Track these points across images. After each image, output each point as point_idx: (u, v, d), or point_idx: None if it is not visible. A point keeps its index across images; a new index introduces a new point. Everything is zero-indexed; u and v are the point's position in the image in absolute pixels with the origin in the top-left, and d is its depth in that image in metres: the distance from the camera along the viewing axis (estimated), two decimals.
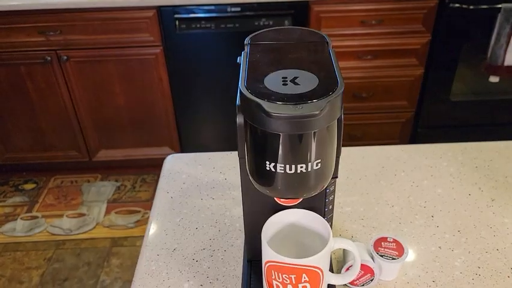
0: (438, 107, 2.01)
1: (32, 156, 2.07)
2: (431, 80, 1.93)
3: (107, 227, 1.88)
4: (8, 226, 1.88)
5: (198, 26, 1.74)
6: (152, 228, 0.71)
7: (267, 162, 0.43)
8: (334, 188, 0.55)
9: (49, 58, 1.78)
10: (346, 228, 0.70)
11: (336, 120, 0.44)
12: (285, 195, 0.46)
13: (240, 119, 0.47)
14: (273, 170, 0.43)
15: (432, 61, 1.88)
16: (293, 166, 0.42)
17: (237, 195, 0.77)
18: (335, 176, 0.51)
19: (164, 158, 2.09)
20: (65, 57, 1.78)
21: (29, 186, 2.10)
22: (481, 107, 2.04)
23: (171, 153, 2.11)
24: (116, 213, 1.94)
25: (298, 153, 0.42)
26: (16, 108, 1.93)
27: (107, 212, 1.95)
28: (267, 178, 0.45)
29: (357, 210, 0.74)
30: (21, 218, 1.92)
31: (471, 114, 2.05)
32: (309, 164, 0.42)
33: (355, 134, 2.08)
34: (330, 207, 0.56)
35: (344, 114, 0.46)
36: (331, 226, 0.58)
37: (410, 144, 0.89)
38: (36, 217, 1.93)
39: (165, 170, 0.85)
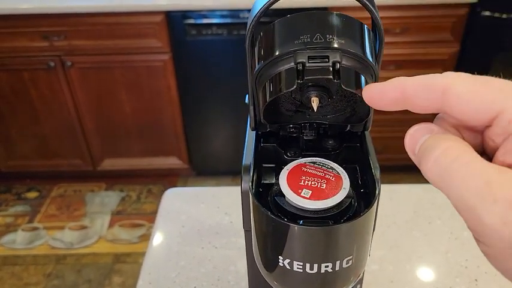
0: None
1: (35, 164, 1.99)
2: None
3: (110, 241, 1.79)
4: (8, 237, 1.81)
5: (209, 32, 1.63)
6: (143, 285, 0.61)
7: (280, 258, 0.32)
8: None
9: (53, 64, 1.69)
10: None
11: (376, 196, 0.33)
12: None
13: (245, 185, 0.37)
14: (287, 267, 0.32)
15: None
16: (315, 265, 0.31)
17: (244, 245, 0.66)
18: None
19: (171, 168, 2.02)
20: (69, 63, 1.69)
21: (31, 194, 2.03)
22: None
23: (178, 163, 2.03)
24: (119, 226, 1.85)
25: (322, 250, 0.31)
26: (19, 114, 1.85)
27: (111, 224, 1.86)
28: (279, 274, 0.34)
29: (385, 269, 0.62)
30: (22, 229, 1.85)
31: None
32: (337, 263, 0.31)
33: (376, 148, 1.94)
34: (358, 287, 0.45)
35: None
36: None
37: None
38: (37, 228, 1.85)
39: (163, 207, 0.74)
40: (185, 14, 1.60)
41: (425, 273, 0.62)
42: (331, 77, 0.29)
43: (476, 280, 0.61)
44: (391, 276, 0.61)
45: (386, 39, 1.64)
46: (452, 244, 0.66)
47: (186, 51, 1.68)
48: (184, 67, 1.72)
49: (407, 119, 1.84)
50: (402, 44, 1.67)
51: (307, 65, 0.29)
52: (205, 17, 1.61)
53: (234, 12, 1.59)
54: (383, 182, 0.80)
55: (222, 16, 1.61)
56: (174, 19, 1.61)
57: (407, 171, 2.13)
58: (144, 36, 1.65)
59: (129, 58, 1.70)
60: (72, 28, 1.64)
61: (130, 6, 1.57)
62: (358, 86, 0.30)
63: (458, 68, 1.73)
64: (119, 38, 1.65)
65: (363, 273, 0.45)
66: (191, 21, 1.61)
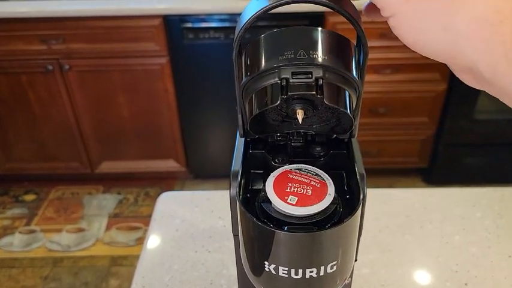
0: (461, 125, 1.88)
1: (33, 166, 2.00)
2: (455, 95, 1.80)
3: (107, 243, 1.79)
4: (6, 240, 1.81)
5: (207, 36, 1.64)
6: None
7: (266, 263, 0.33)
8: (352, 271, 0.44)
9: (51, 67, 1.70)
10: None
11: (360, 203, 0.33)
12: None
13: (233, 191, 0.37)
14: (273, 272, 0.33)
15: (456, 76, 1.75)
16: (300, 271, 0.32)
17: None
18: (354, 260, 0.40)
19: (168, 171, 2.02)
20: (67, 67, 1.70)
21: (29, 197, 2.03)
22: (508, 125, 1.90)
23: (175, 166, 2.03)
24: (117, 229, 1.86)
25: (307, 256, 0.31)
26: (17, 117, 1.86)
27: (108, 227, 1.86)
28: (266, 279, 0.34)
29: (377, 272, 0.63)
30: (19, 232, 1.85)
31: (496, 132, 1.91)
32: (321, 268, 0.32)
33: (370, 151, 1.96)
34: None
35: (358, 130, 0.37)
36: None
37: (438, 188, 0.78)
38: (34, 231, 1.85)
39: (157, 211, 0.75)
40: (183, 17, 1.60)
41: (417, 277, 0.63)
42: (314, 92, 0.30)
43: (466, 284, 0.61)
44: (382, 279, 0.62)
45: (383, 43, 1.65)
46: (444, 248, 0.67)
47: (183, 55, 1.69)
48: (182, 71, 1.73)
49: (403, 122, 1.86)
50: (398, 48, 1.67)
51: (290, 80, 0.30)
52: (202, 20, 1.62)
53: (231, 16, 1.60)
54: (377, 186, 0.80)
55: (220, 20, 1.62)
56: (171, 23, 1.62)
57: (402, 174, 2.15)
58: (141, 39, 1.66)
59: (126, 62, 1.71)
60: (70, 32, 1.64)
61: (128, 10, 1.58)
62: (341, 101, 0.31)
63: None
64: (116, 41, 1.66)
65: (351, 278, 0.45)
66: (189, 25, 1.62)
